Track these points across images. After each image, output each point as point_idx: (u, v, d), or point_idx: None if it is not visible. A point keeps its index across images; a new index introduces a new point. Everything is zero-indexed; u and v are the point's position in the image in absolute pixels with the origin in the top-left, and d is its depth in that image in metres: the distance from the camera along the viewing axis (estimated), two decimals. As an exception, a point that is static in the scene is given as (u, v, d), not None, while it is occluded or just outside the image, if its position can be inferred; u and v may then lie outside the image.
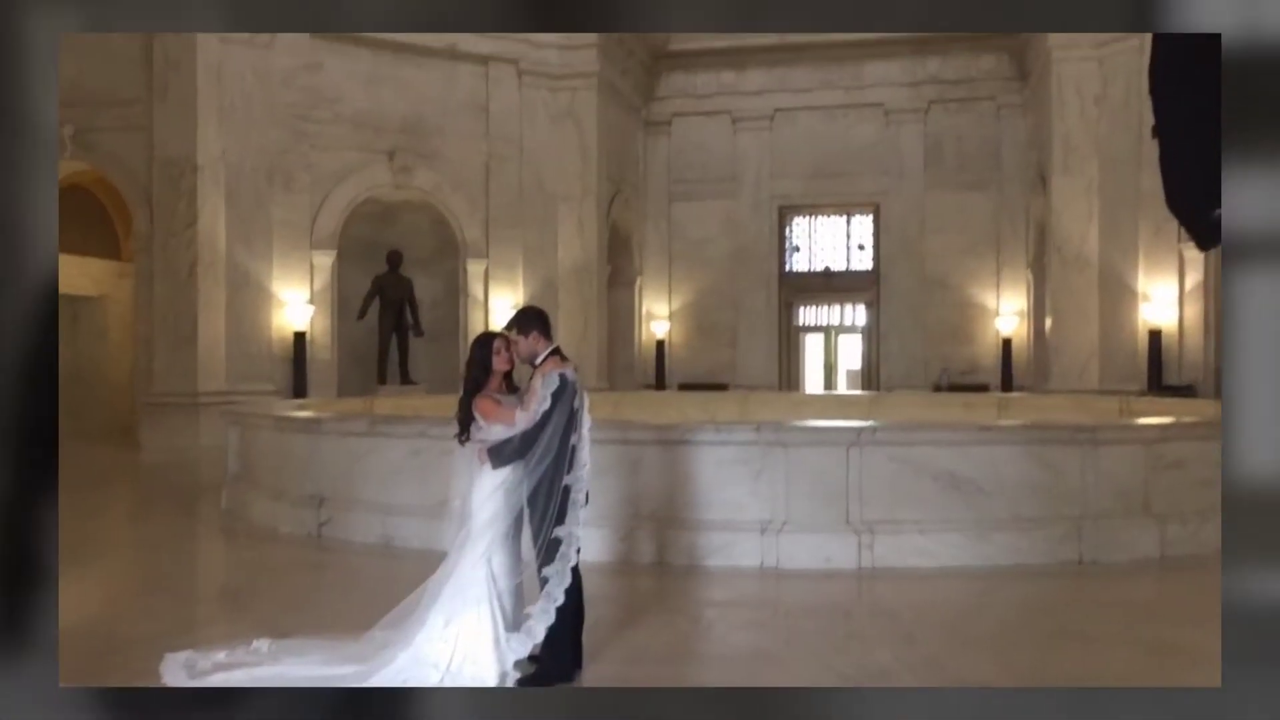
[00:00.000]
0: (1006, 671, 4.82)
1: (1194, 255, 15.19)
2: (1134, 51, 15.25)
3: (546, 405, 4.71)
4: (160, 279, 15.44)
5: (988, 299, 20.93)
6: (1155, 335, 15.93)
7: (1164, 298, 15.94)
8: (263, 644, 4.87)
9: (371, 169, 17.17)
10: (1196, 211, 2.10)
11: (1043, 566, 7.05)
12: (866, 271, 22.26)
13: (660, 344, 22.12)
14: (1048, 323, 17.96)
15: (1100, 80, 16.67)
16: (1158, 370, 15.89)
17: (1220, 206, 2.10)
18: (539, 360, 4.90)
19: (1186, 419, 8.73)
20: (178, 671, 4.64)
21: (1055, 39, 16.89)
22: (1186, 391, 15.07)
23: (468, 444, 4.94)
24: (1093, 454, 7.43)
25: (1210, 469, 7.58)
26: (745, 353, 21.93)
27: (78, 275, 17.92)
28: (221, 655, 4.78)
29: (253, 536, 8.51)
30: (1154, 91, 2.08)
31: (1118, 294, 16.52)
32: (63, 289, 14.39)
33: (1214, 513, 7.45)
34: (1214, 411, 9.28)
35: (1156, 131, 2.15)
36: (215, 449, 11.87)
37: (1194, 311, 15.74)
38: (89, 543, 8.15)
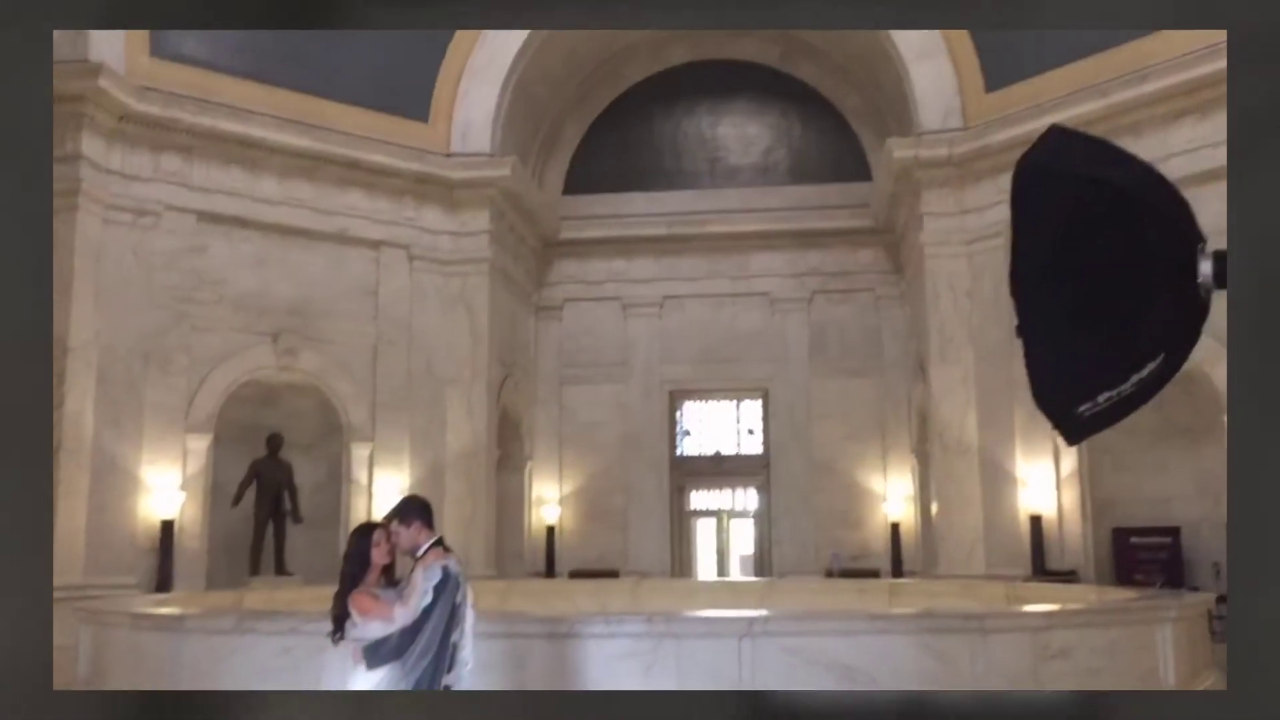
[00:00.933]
0: None
1: (1067, 443, 15.71)
2: (999, 250, 16.19)
3: (428, 600, 4.50)
4: (21, 463, 14.56)
5: (875, 484, 21.26)
6: (1036, 520, 16.27)
7: (1042, 482, 16.38)
8: None
9: (254, 351, 16.79)
10: (1061, 408, 2.14)
11: (939, 762, 6.88)
12: (757, 455, 22.47)
13: (550, 529, 21.69)
14: (933, 508, 18.25)
15: (970, 275, 17.55)
16: (1040, 555, 16.16)
17: (1084, 403, 2.13)
18: (421, 552, 4.72)
19: (1071, 606, 8.85)
20: None
21: (926, 237, 17.85)
22: (1070, 577, 15.33)
23: (342, 642, 4.67)
24: (982, 642, 7.41)
25: (1096, 658, 7.62)
26: (637, 538, 21.64)
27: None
28: None
29: (99, 748, 7.77)
30: (1014, 293, 2.15)
31: (998, 479, 16.91)
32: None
33: (1103, 701, 7.44)
34: (1096, 597, 9.43)
35: (1019, 331, 2.21)
36: (66, 649, 10.95)
37: (1071, 496, 16.18)
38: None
